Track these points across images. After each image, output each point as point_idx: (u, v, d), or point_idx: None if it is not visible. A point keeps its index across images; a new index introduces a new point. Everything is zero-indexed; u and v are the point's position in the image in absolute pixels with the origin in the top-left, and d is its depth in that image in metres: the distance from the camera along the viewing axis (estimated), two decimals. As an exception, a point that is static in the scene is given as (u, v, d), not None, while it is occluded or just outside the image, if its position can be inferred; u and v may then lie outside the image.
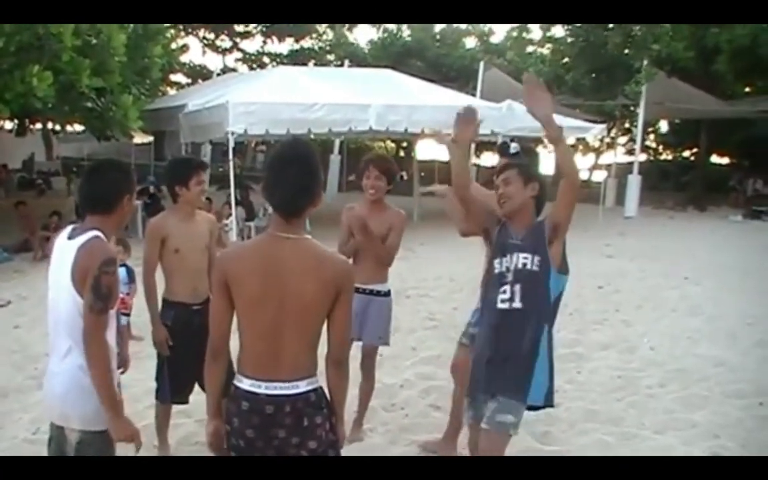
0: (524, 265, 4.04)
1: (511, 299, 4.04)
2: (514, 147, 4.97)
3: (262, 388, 3.12)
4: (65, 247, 3.52)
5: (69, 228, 3.64)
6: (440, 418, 5.87)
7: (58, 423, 3.59)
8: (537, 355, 3.99)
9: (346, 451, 5.41)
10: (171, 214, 5.30)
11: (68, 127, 20.16)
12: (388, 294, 5.78)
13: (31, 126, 18.79)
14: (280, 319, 3.09)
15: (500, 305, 4.08)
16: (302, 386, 3.13)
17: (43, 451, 4.85)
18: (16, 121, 17.13)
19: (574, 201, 4.07)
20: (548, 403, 4.17)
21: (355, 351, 5.85)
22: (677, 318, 9.50)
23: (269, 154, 3.38)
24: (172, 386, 5.23)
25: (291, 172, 3.15)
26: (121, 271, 7.07)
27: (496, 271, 4.14)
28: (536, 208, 4.21)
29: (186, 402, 5.35)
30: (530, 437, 5.51)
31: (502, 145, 5.15)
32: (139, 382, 6.29)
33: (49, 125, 20.13)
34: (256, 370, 3.15)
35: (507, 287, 4.07)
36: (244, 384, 3.16)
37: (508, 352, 4.05)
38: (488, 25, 37.62)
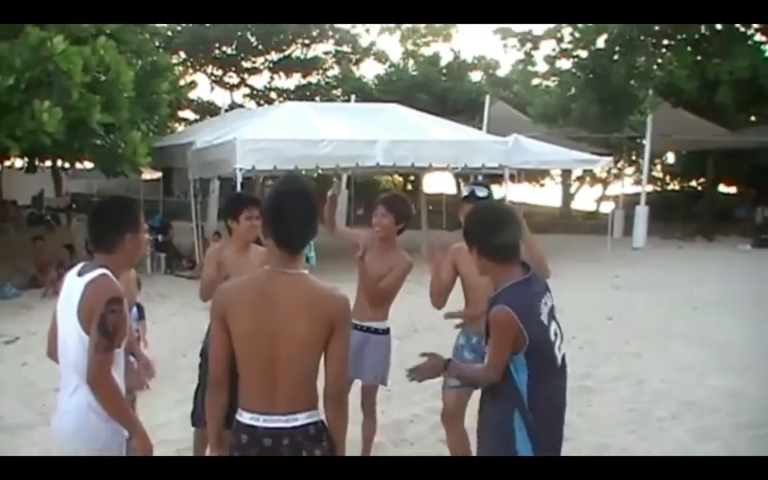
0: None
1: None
2: (480, 190, 4.97)
3: (261, 421, 3.14)
4: (74, 284, 3.55)
5: (79, 265, 3.67)
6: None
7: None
8: (513, 440, 3.71)
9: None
10: (229, 245, 5.53)
11: (77, 164, 20.28)
12: (386, 332, 5.70)
13: (41, 163, 18.88)
14: (274, 353, 3.11)
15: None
16: (301, 419, 3.14)
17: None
18: (26, 158, 17.20)
19: None
20: None
21: (356, 388, 5.84)
22: (687, 349, 9.45)
23: (272, 189, 3.39)
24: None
25: (293, 208, 3.19)
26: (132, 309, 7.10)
27: None
28: (495, 261, 3.78)
29: (226, 426, 5.37)
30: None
31: (467, 195, 5.12)
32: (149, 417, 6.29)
33: (59, 162, 20.22)
34: (254, 403, 3.17)
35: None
36: (244, 418, 3.19)
37: (482, 423, 3.95)
38: (494, 59, 37.84)
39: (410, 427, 6.84)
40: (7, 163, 20.51)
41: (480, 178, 25.38)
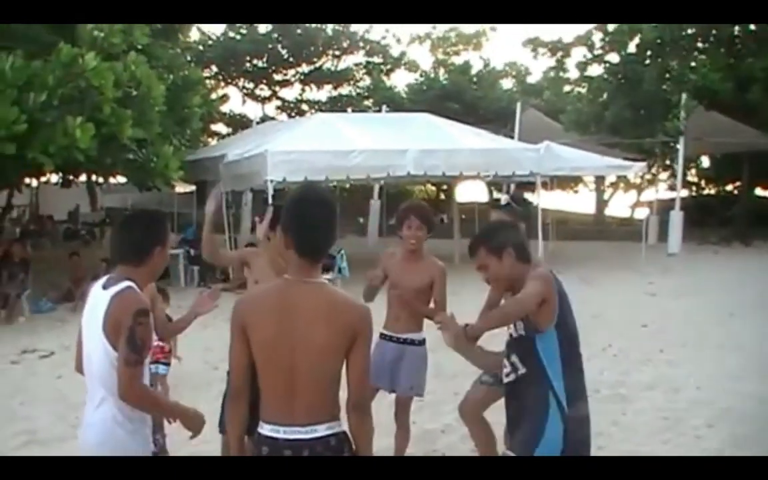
0: (515, 329, 3.89)
1: (514, 369, 3.91)
2: (504, 199, 4.99)
3: (281, 433, 3.11)
4: (99, 297, 3.55)
5: (104, 278, 3.68)
6: (482, 463, 5.79)
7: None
8: (546, 415, 3.76)
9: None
10: (263, 252, 5.42)
11: (111, 179, 20.51)
12: (422, 343, 5.68)
13: (75, 179, 19.12)
14: (293, 363, 3.09)
15: (505, 379, 3.99)
16: (321, 430, 3.11)
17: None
18: (60, 174, 17.41)
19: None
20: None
21: (390, 399, 5.83)
22: (723, 356, 9.31)
23: (287, 200, 3.38)
24: None
25: (315, 219, 3.17)
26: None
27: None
28: (525, 262, 3.92)
29: (248, 434, 5.38)
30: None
31: (504, 205, 5.19)
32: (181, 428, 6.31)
33: (93, 177, 20.47)
34: (274, 415, 3.14)
35: (506, 361, 3.97)
36: (265, 430, 3.16)
37: (517, 419, 3.94)
38: (524, 65, 37.75)
39: (441, 438, 6.80)
40: (43, 178, 20.78)
41: (512, 187, 25.38)
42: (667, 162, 29.56)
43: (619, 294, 14.25)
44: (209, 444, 5.89)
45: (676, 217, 22.34)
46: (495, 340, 4.26)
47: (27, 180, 21.98)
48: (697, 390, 7.88)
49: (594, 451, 5.89)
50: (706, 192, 35.74)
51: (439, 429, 7.00)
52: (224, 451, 5.47)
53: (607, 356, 9.50)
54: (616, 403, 7.48)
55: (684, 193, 30.94)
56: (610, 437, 6.47)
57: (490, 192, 36.60)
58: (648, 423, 6.94)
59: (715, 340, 10.16)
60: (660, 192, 29.82)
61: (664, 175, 31.96)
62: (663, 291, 14.55)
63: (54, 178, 19.84)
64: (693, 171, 34.76)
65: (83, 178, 19.74)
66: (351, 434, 3.25)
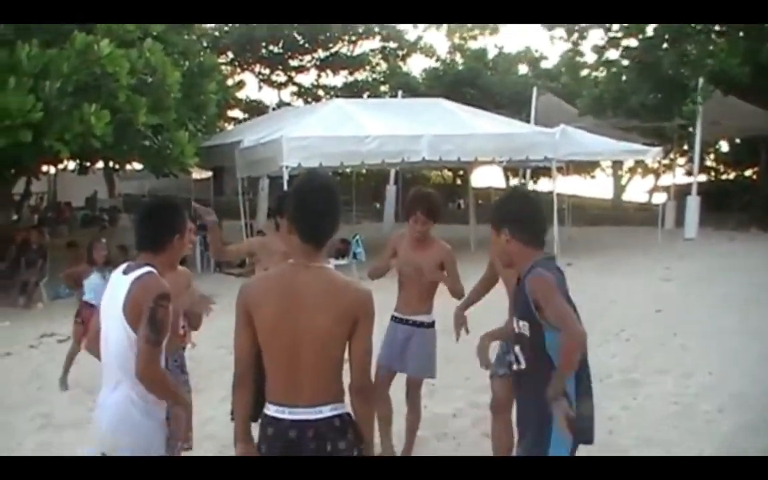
0: (519, 327, 3.88)
1: (517, 361, 3.94)
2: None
3: (286, 414, 3.18)
4: (119, 282, 3.64)
5: (124, 264, 3.76)
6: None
7: (108, 454, 3.66)
8: (552, 423, 3.68)
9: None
10: (271, 240, 5.62)
11: (128, 166, 20.63)
12: (432, 325, 5.79)
13: (92, 165, 19.24)
14: (297, 346, 3.15)
15: (513, 367, 4.01)
16: (326, 411, 3.17)
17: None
18: (77, 161, 17.53)
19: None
20: (575, 447, 3.89)
21: (401, 382, 5.89)
22: (736, 341, 9.20)
23: (294, 186, 3.44)
24: None
25: (319, 205, 3.23)
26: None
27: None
28: (528, 245, 3.87)
29: (255, 420, 5.43)
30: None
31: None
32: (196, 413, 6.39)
33: (110, 164, 20.59)
34: (280, 396, 3.21)
35: (513, 347, 3.98)
36: (271, 410, 3.24)
37: (523, 412, 3.98)
38: (540, 50, 37.58)
39: (453, 422, 6.85)
40: (60, 166, 20.92)
41: (528, 172, 25.25)
42: (685, 147, 29.41)
43: (634, 279, 14.19)
44: (227, 428, 5.99)
45: (693, 202, 22.19)
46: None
47: (44, 167, 22.18)
48: (709, 375, 7.84)
49: (603, 436, 5.95)
50: (724, 177, 35.45)
51: (450, 413, 7.05)
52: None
53: (620, 341, 9.48)
54: (627, 388, 7.49)
55: (702, 178, 30.73)
56: (619, 422, 6.49)
57: (507, 177, 36.57)
58: (658, 408, 6.93)
59: (729, 325, 10.05)
60: (678, 177, 29.65)
61: (681, 160, 31.77)
62: (678, 276, 14.46)
63: (71, 165, 19.96)
64: (712, 156, 34.49)
65: (100, 164, 19.85)
66: (354, 416, 3.30)
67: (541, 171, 25.98)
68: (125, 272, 3.66)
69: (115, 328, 3.58)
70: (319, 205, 3.23)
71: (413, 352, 5.70)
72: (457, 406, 7.19)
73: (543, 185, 32.00)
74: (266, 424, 3.26)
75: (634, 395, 7.31)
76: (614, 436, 6.13)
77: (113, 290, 3.66)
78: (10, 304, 14.06)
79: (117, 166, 20.97)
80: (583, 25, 28.68)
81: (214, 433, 6.60)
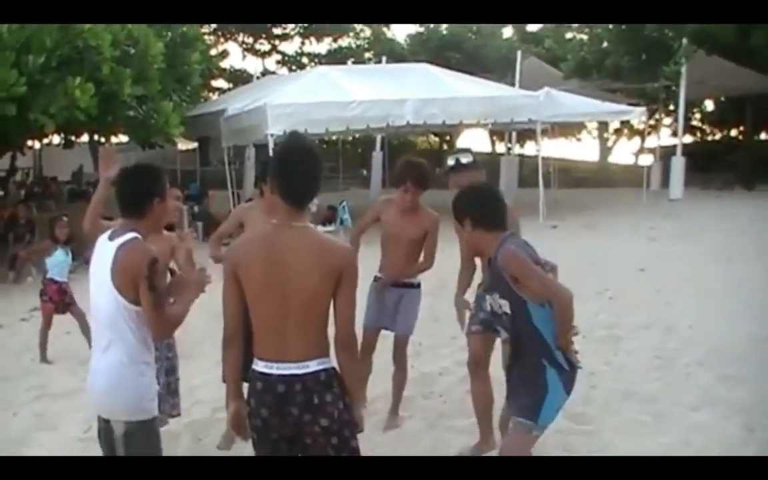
0: (499, 306, 4.08)
1: (506, 332, 4.17)
2: (466, 158, 5.09)
3: (274, 369, 3.30)
4: (105, 247, 3.73)
5: (109, 230, 3.84)
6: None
7: (104, 416, 3.78)
8: (546, 389, 3.93)
9: (384, 438, 5.58)
10: (257, 205, 5.64)
11: (114, 139, 20.58)
12: (418, 286, 5.96)
13: (77, 139, 19.22)
14: (285, 304, 3.26)
15: (502, 336, 4.20)
16: (312, 366, 3.29)
17: (95, 449, 5.09)
18: (62, 134, 17.50)
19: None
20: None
21: (386, 346, 6.03)
22: (718, 297, 9.38)
23: (276, 149, 3.55)
24: None
25: (300, 166, 3.33)
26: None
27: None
28: (491, 230, 4.05)
29: (245, 380, 5.56)
30: (565, 418, 5.55)
31: (453, 165, 5.27)
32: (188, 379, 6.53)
33: (95, 137, 20.57)
34: (268, 352, 3.32)
35: (498, 322, 4.20)
36: (259, 366, 3.35)
37: (517, 379, 4.12)
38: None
39: (439, 380, 6.97)
40: (46, 140, 20.87)
41: (513, 136, 25.23)
42: (671, 107, 29.52)
43: (619, 239, 14.37)
44: (218, 391, 6.12)
45: (678, 162, 22.32)
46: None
47: (29, 142, 22.08)
48: (690, 329, 8.00)
49: (585, 390, 6.13)
50: (711, 137, 35.57)
51: (437, 372, 7.18)
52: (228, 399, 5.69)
53: (603, 299, 9.63)
54: (609, 344, 7.64)
55: (689, 138, 30.86)
56: (601, 376, 6.63)
57: (492, 141, 36.68)
58: (640, 362, 7.08)
59: (711, 282, 10.25)
60: (664, 138, 29.79)
61: (668, 121, 31.87)
62: (662, 236, 14.64)
63: (56, 139, 19.91)
64: (698, 116, 34.60)
65: (85, 138, 19.82)
66: (340, 369, 3.42)
67: (526, 134, 25.99)
68: (110, 238, 3.74)
69: (104, 292, 3.66)
70: (300, 166, 3.32)
71: (402, 312, 5.86)
72: (443, 365, 7.32)
73: (528, 148, 32.06)
74: (255, 380, 3.37)
75: (615, 351, 7.46)
76: (596, 390, 6.27)
77: (100, 255, 3.75)
78: (-1, 279, 14.13)
79: (102, 139, 20.93)
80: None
81: (203, 397, 6.71)
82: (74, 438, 6.13)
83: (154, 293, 3.57)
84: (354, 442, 3.43)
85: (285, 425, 3.32)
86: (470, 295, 5.43)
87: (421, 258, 5.87)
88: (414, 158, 6.10)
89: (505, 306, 4.01)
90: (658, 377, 6.64)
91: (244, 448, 5.45)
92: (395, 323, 5.89)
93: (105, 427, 3.79)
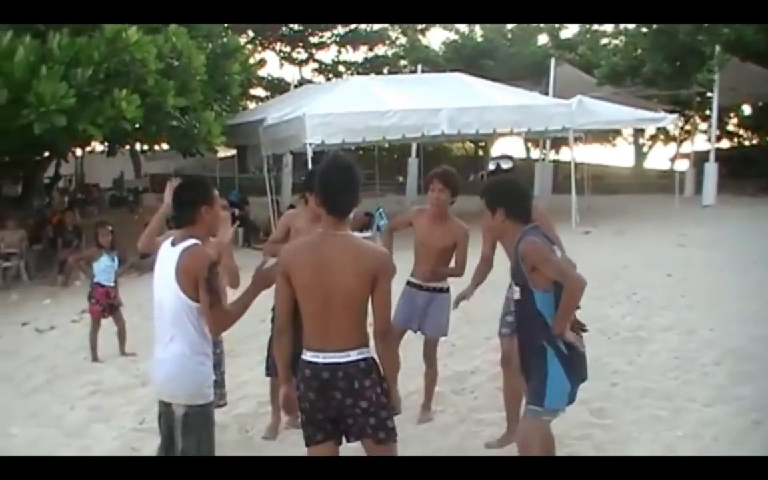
0: (512, 293, 4.64)
1: (516, 324, 4.70)
2: (505, 163, 5.43)
3: (320, 358, 3.80)
4: (168, 253, 4.26)
5: (171, 238, 4.37)
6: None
7: (166, 400, 4.28)
8: (546, 371, 4.33)
9: (417, 429, 5.97)
10: (301, 212, 6.16)
11: (156, 146, 21.19)
12: (448, 290, 6.34)
13: (121, 147, 19.84)
14: (328, 302, 3.77)
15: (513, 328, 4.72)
16: (353, 355, 3.80)
17: (148, 438, 5.58)
18: (107, 143, 18.12)
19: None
20: (572, 401, 4.56)
21: (419, 345, 6.43)
22: (741, 302, 9.55)
23: (320, 166, 4.09)
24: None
25: (342, 183, 3.87)
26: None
27: None
28: (517, 221, 4.53)
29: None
30: (587, 412, 5.93)
31: (494, 170, 5.63)
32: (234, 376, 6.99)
33: (137, 145, 21.17)
34: (315, 343, 3.83)
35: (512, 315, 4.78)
36: (307, 356, 3.86)
37: (524, 363, 4.58)
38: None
39: (471, 378, 7.34)
40: (88, 148, 21.49)
41: (548, 142, 25.37)
42: (707, 112, 29.52)
43: (649, 245, 14.55)
44: (263, 386, 6.58)
45: (711, 168, 22.38)
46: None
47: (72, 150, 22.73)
48: (711, 332, 8.25)
49: (608, 388, 6.50)
50: (747, 143, 35.33)
51: (469, 370, 7.55)
52: (273, 391, 6.15)
53: (631, 303, 9.91)
54: (633, 345, 7.95)
55: (726, 144, 30.78)
56: (624, 375, 6.98)
57: (527, 147, 36.83)
58: (661, 362, 7.39)
59: (734, 286, 10.42)
60: (699, 143, 29.71)
61: (704, 126, 31.79)
62: (692, 242, 14.77)
63: (98, 147, 20.52)
64: (735, 120, 34.44)
65: (128, 146, 20.45)
66: (378, 357, 3.91)
67: (561, 140, 26.22)
68: (173, 244, 4.27)
69: (168, 292, 4.18)
70: (340, 183, 3.88)
71: (432, 315, 6.26)
72: (475, 365, 7.68)
73: (564, 154, 32.18)
74: (304, 367, 3.89)
75: (639, 352, 7.77)
76: (618, 387, 6.63)
77: (163, 261, 4.27)
78: (49, 283, 14.71)
79: (145, 147, 21.55)
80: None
81: (249, 392, 7.16)
82: (128, 429, 6.61)
83: (212, 294, 4.04)
84: (390, 423, 3.92)
85: (329, 407, 3.81)
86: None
87: (452, 264, 6.26)
88: (443, 166, 6.52)
89: (517, 292, 4.49)
90: (677, 376, 6.95)
91: (288, 437, 5.94)
92: (425, 325, 6.29)
93: (166, 411, 4.29)
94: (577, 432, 5.48)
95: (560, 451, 5.36)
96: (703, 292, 10.22)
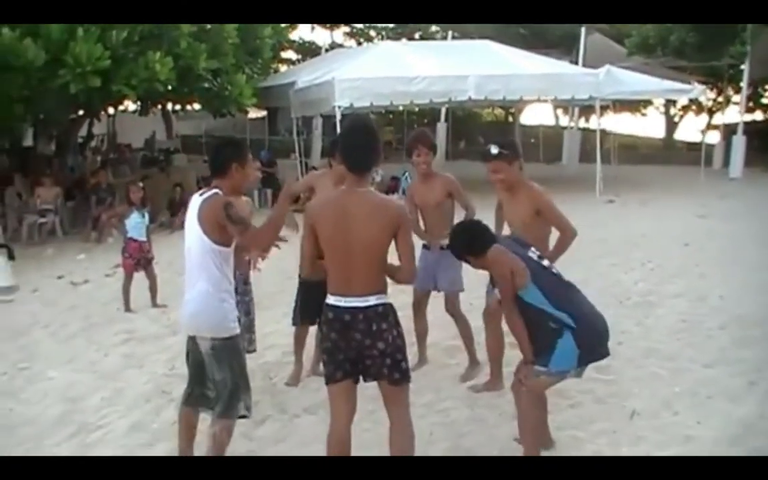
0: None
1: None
2: (494, 148, 5.56)
3: (342, 302, 4.19)
4: (195, 202, 4.74)
5: (201, 190, 4.86)
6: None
7: (191, 334, 4.74)
8: (554, 341, 4.54)
9: (433, 379, 6.25)
10: (326, 174, 6.45)
11: (188, 107, 21.57)
12: None
13: (154, 107, 20.23)
14: (350, 251, 4.14)
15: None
16: (372, 300, 4.18)
17: (177, 383, 5.96)
18: (139, 103, 18.53)
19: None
20: (583, 364, 4.78)
21: (439, 302, 6.73)
22: (756, 272, 9.72)
23: (342, 127, 4.54)
24: (302, 310, 6.46)
25: (362, 140, 4.27)
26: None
27: None
28: (484, 252, 4.72)
29: (314, 323, 6.25)
30: (591, 368, 6.14)
31: (484, 154, 5.59)
32: (261, 326, 7.31)
33: (169, 106, 21.53)
34: (338, 289, 4.22)
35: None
36: (330, 300, 4.26)
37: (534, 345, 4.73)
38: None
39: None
40: (121, 107, 21.89)
41: (576, 110, 25.21)
42: (741, 84, 29.27)
43: (670, 216, 14.71)
44: (287, 337, 6.94)
45: (739, 141, 22.40)
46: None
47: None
48: (720, 299, 8.49)
49: (614, 347, 6.71)
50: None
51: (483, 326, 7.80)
52: (297, 339, 6.55)
53: (645, 270, 10.15)
54: (642, 308, 8.22)
55: (760, 116, 30.53)
56: (631, 335, 7.25)
57: (556, 115, 36.82)
58: (668, 325, 7.65)
59: (750, 257, 10.60)
60: (732, 115, 29.46)
61: (736, 98, 31.47)
62: (714, 213, 14.90)
63: (131, 106, 20.91)
64: (768, 93, 33.96)
65: (159, 106, 20.82)
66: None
67: (590, 109, 26.22)
68: (201, 195, 4.75)
69: (194, 237, 4.64)
70: (361, 143, 4.27)
71: (443, 272, 6.56)
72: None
73: (593, 122, 32.06)
74: (327, 311, 4.28)
75: (647, 315, 8.04)
76: (623, 346, 6.89)
77: (192, 210, 4.73)
78: (83, 239, 15.17)
79: (177, 108, 21.91)
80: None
81: (275, 343, 7.53)
82: (160, 374, 7.02)
83: (236, 223, 4.49)
84: (404, 364, 4.30)
85: (349, 348, 4.19)
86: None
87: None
88: (420, 129, 6.88)
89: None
90: (681, 338, 7.22)
91: (309, 384, 6.31)
92: (438, 282, 6.63)
93: (193, 348, 4.76)
94: (580, 386, 5.76)
95: (563, 404, 5.70)
96: (718, 263, 10.42)
